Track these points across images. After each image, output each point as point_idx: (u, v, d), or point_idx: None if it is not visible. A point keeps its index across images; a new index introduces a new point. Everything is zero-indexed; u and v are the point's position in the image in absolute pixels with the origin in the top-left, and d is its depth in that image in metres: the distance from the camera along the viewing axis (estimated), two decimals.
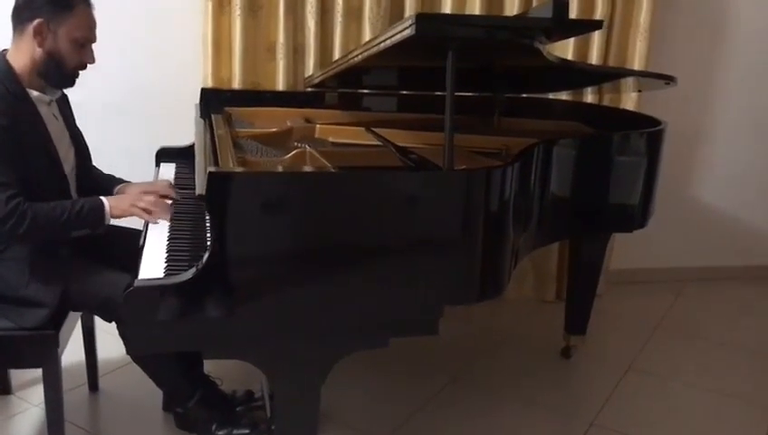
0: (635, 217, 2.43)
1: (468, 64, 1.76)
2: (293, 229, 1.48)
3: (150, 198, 1.79)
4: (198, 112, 2.48)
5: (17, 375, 2.30)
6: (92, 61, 1.84)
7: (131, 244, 1.81)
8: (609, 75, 2.63)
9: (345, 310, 1.53)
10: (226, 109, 2.50)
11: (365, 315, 1.56)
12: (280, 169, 1.87)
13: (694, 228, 3.57)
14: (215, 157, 1.77)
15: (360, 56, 1.83)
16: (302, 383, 1.59)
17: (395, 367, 2.56)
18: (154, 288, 1.43)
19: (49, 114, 1.85)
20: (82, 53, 1.81)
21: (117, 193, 2.05)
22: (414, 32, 1.42)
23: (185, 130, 2.46)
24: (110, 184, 2.06)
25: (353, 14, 2.80)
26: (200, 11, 2.69)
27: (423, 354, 2.67)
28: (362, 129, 2.31)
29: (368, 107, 2.74)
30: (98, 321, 2.18)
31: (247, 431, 2.02)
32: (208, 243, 1.50)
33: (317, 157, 1.93)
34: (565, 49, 2.96)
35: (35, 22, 1.72)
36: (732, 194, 3.58)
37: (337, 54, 2.76)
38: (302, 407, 1.62)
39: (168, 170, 2.36)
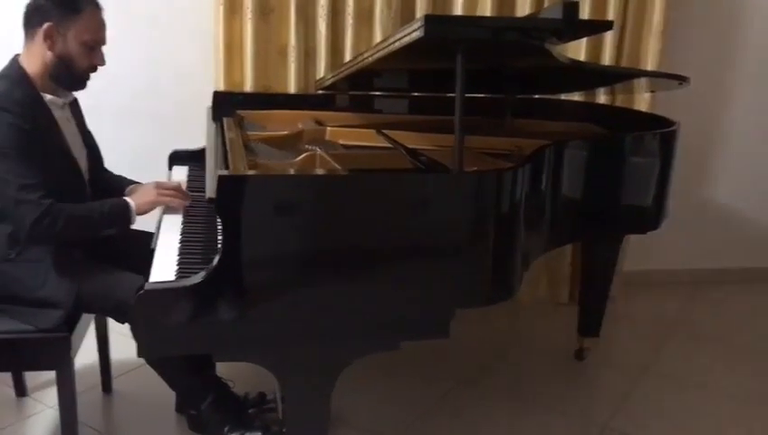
0: (648, 219, 2.41)
1: (478, 65, 1.76)
2: (303, 232, 1.48)
3: (171, 183, 1.90)
4: (210, 115, 2.49)
5: (32, 377, 2.32)
6: (102, 63, 1.86)
7: (145, 245, 1.82)
8: (621, 76, 2.61)
9: (355, 313, 1.53)
10: (238, 112, 2.51)
11: (375, 318, 1.55)
12: (291, 172, 1.88)
13: (708, 230, 3.54)
14: (225, 160, 1.78)
15: (369, 58, 1.83)
16: (312, 386, 1.59)
17: (407, 370, 2.56)
18: (165, 291, 1.44)
19: (63, 117, 1.88)
20: (92, 56, 1.82)
21: (127, 194, 2.07)
22: (423, 33, 1.42)
23: (198, 133, 2.47)
24: (120, 185, 2.08)
25: (364, 16, 2.81)
26: (212, 14, 2.71)
27: (435, 357, 2.67)
28: (373, 131, 2.31)
29: (378, 109, 2.75)
30: (111, 323, 2.19)
31: (259, 433, 2.01)
32: (220, 246, 1.50)
33: (327, 160, 1.93)
34: (578, 49, 2.94)
35: (45, 26, 1.75)
36: (746, 195, 3.55)
37: (348, 57, 2.77)
38: (313, 410, 1.62)
39: (181, 173, 2.37)
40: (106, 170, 2.11)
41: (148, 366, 1.96)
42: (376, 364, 1.89)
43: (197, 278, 1.43)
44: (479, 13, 2.86)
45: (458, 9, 2.85)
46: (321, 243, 1.49)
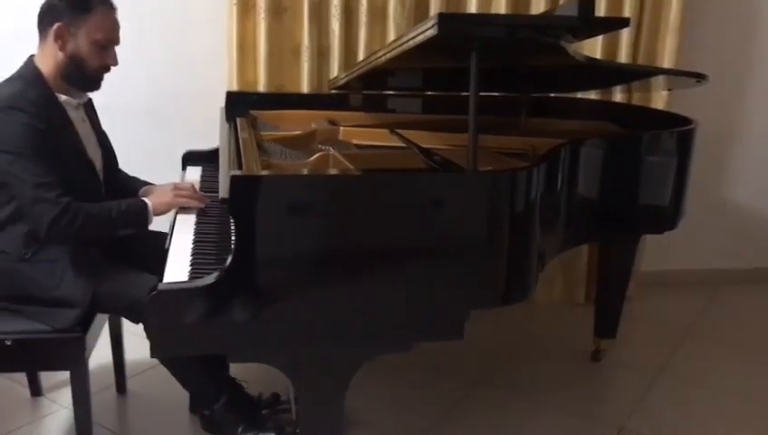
0: (665, 219, 2.38)
1: (493, 64, 1.74)
2: (317, 233, 1.47)
3: (187, 184, 1.91)
4: (223, 116, 2.49)
5: (47, 377, 2.33)
6: (115, 63, 1.85)
7: (159, 246, 1.82)
8: (638, 74, 2.58)
9: (368, 313, 1.52)
10: (251, 112, 2.51)
11: (389, 319, 1.54)
12: (304, 172, 1.87)
13: (726, 229, 3.50)
14: (238, 160, 1.77)
15: (383, 57, 1.82)
16: (326, 387, 1.58)
17: (422, 371, 2.55)
18: (178, 291, 1.43)
19: (78, 118, 1.89)
20: (104, 56, 1.82)
21: (141, 195, 2.07)
22: (436, 32, 1.41)
23: (211, 133, 2.47)
24: (134, 186, 2.08)
25: (377, 15, 2.79)
26: (225, 14, 2.71)
27: (451, 358, 2.65)
28: (386, 131, 2.30)
29: (392, 108, 2.73)
30: (125, 323, 2.20)
31: (273, 434, 2.02)
32: (233, 246, 1.49)
33: (340, 159, 1.92)
34: (594, 47, 2.91)
35: (55, 26, 1.75)
36: (765, 194, 3.50)
37: (361, 56, 2.76)
38: (327, 411, 1.61)
39: (195, 174, 2.37)
40: (120, 171, 2.12)
41: (161, 367, 1.96)
42: (390, 365, 1.88)
43: (210, 279, 1.43)
44: (493, 10, 2.84)
45: (472, 7, 2.83)
46: (335, 243, 1.49)
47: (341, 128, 2.44)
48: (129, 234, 1.84)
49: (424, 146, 1.99)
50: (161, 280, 1.52)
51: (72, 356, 1.75)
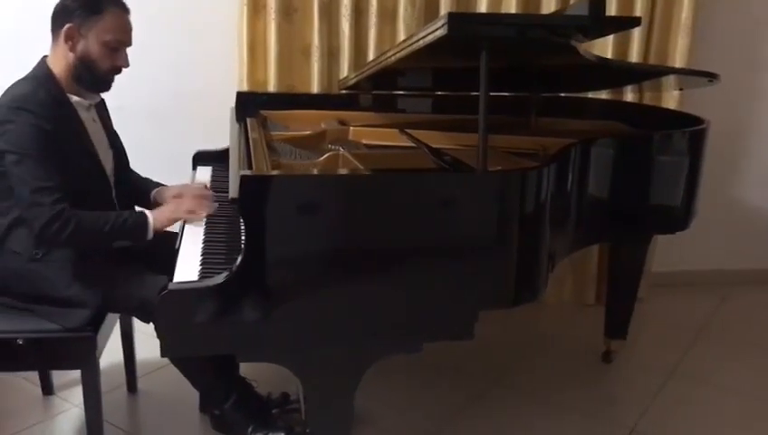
0: (677, 219, 2.37)
1: (503, 64, 1.74)
2: (326, 233, 1.47)
3: (190, 198, 1.85)
4: (234, 116, 2.50)
5: (59, 376, 2.34)
6: (126, 64, 1.85)
7: (170, 246, 1.82)
8: (649, 73, 2.57)
9: (378, 314, 1.52)
10: (262, 112, 2.52)
11: (398, 319, 1.54)
12: (314, 172, 1.87)
13: (739, 229, 3.47)
14: (248, 160, 1.78)
15: (392, 57, 1.82)
16: (335, 387, 1.59)
17: (432, 372, 2.54)
18: (188, 291, 1.44)
19: (89, 118, 1.89)
20: (115, 57, 1.82)
21: (154, 196, 2.08)
22: (446, 32, 1.41)
23: (222, 133, 2.48)
24: (146, 187, 2.09)
25: (387, 15, 2.79)
26: (236, 15, 2.71)
27: (461, 359, 2.65)
28: (396, 130, 2.30)
29: (402, 108, 2.73)
30: (136, 322, 2.20)
31: (282, 434, 2.01)
32: (243, 246, 1.50)
33: (350, 159, 1.92)
34: (605, 47, 2.90)
35: (66, 26, 1.76)
36: None
37: (371, 56, 2.76)
38: (336, 411, 1.62)
39: (205, 174, 2.38)
40: (132, 171, 2.13)
41: (172, 366, 1.96)
42: (400, 365, 1.88)
43: (220, 278, 1.43)
44: (504, 10, 2.83)
45: (483, 7, 2.82)
46: (344, 243, 1.49)
47: (351, 128, 2.44)
48: (125, 246, 1.83)
49: (434, 146, 1.99)
50: (171, 280, 1.53)
51: (83, 355, 1.76)
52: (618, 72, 2.35)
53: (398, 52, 1.78)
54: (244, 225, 1.45)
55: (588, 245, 2.53)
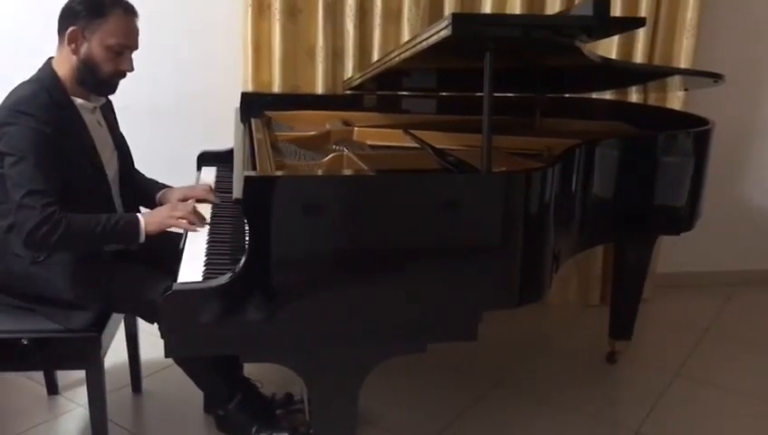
0: (682, 219, 2.36)
1: (507, 64, 1.74)
2: (330, 233, 1.47)
3: (186, 206, 1.81)
4: (238, 116, 2.50)
5: (64, 376, 2.35)
6: (130, 69, 1.84)
7: (174, 246, 1.82)
8: (653, 74, 2.56)
9: (381, 314, 1.52)
10: (266, 112, 2.52)
11: (402, 320, 1.54)
12: (318, 172, 1.87)
13: (743, 230, 3.46)
14: (253, 161, 1.78)
15: (397, 58, 1.82)
16: (339, 388, 1.59)
17: (436, 372, 2.54)
18: (192, 292, 1.44)
19: (93, 121, 1.88)
20: (119, 61, 1.80)
21: (159, 198, 2.09)
22: (450, 32, 1.40)
23: (226, 133, 2.48)
24: (151, 189, 2.09)
25: (392, 16, 2.79)
26: (241, 16, 2.72)
27: (465, 359, 2.64)
28: (400, 131, 2.30)
29: (406, 109, 2.73)
30: (141, 322, 2.21)
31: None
32: (247, 246, 1.50)
33: (354, 160, 1.92)
34: (609, 48, 2.90)
35: (69, 29, 1.75)
36: None
37: (376, 57, 2.76)
38: (340, 411, 1.62)
39: (209, 174, 2.38)
40: (137, 172, 2.13)
41: (177, 366, 1.97)
42: (404, 366, 1.88)
43: (224, 279, 1.43)
44: (508, 11, 2.83)
45: (487, 8, 2.82)
46: (348, 244, 1.49)
47: (356, 128, 2.44)
48: (118, 249, 1.82)
49: (438, 146, 1.99)
50: (175, 280, 1.53)
51: (87, 355, 1.76)
52: (622, 73, 2.34)
53: (402, 52, 1.78)
54: (249, 225, 1.45)
55: (592, 245, 2.52)
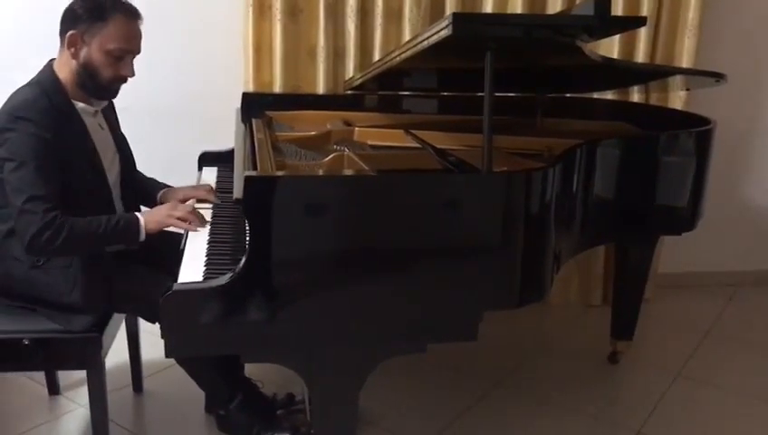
0: (683, 219, 2.36)
1: (508, 64, 1.73)
2: (330, 233, 1.47)
3: (186, 206, 1.81)
4: (239, 116, 2.50)
5: (65, 376, 2.35)
6: (131, 74, 1.81)
7: (175, 246, 1.82)
8: (655, 74, 2.56)
9: (382, 314, 1.52)
10: (267, 112, 2.52)
11: (402, 320, 1.54)
12: (318, 172, 1.87)
13: (745, 230, 3.46)
14: (253, 161, 1.78)
15: (398, 58, 1.82)
16: (339, 388, 1.58)
17: (437, 372, 2.54)
18: (192, 292, 1.44)
19: (94, 124, 1.87)
20: (119, 66, 1.78)
21: (160, 197, 2.09)
22: (450, 32, 1.40)
23: (228, 134, 2.48)
24: (152, 188, 2.09)
25: (393, 15, 2.79)
26: (241, 16, 2.72)
27: (466, 360, 2.64)
28: (401, 131, 2.30)
29: (407, 109, 2.73)
30: (142, 322, 2.22)
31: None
32: (247, 246, 1.50)
33: (355, 160, 1.92)
34: (611, 47, 2.89)
35: (69, 33, 1.73)
36: None
37: (377, 57, 2.76)
38: (341, 411, 1.61)
39: (211, 174, 2.38)
40: (138, 172, 2.12)
41: (178, 366, 1.97)
42: (404, 366, 1.88)
43: (224, 279, 1.43)
44: (509, 10, 2.83)
45: (488, 7, 2.82)
46: (349, 244, 1.49)
47: (356, 128, 2.44)
48: (119, 249, 1.81)
49: (439, 146, 1.99)
50: (176, 280, 1.53)
51: (88, 356, 1.76)
52: (624, 73, 2.34)
53: (403, 52, 1.78)
54: (249, 225, 1.45)
55: (594, 245, 2.52)
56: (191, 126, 2.82)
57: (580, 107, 2.77)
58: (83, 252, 1.76)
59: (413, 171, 1.91)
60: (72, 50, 1.75)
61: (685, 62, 2.97)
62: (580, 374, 2.61)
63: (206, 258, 1.65)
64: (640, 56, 2.94)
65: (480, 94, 1.59)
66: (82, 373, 1.81)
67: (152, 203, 2.10)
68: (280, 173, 1.69)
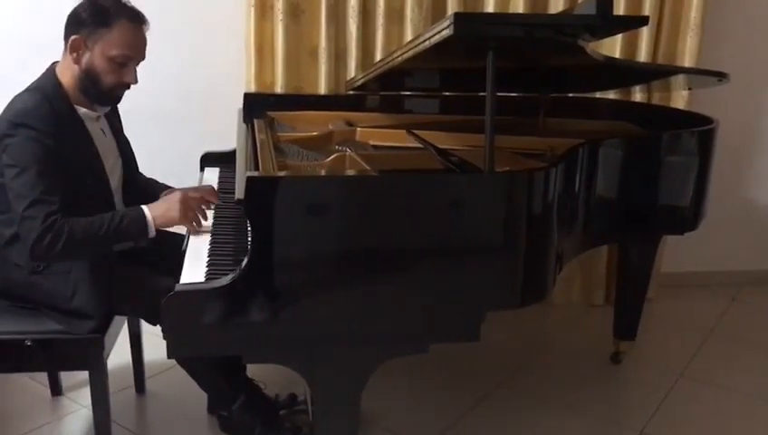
0: (686, 219, 2.36)
1: (510, 64, 1.73)
2: (332, 234, 1.47)
3: (197, 199, 1.79)
4: (241, 117, 2.50)
5: (67, 377, 2.35)
6: (134, 81, 1.79)
7: (177, 247, 1.81)
8: (657, 73, 2.55)
9: (384, 315, 1.52)
10: (269, 113, 2.52)
11: (405, 320, 1.54)
12: (320, 173, 1.87)
13: (748, 230, 3.45)
14: (255, 161, 1.78)
15: (399, 58, 1.82)
16: (342, 388, 1.58)
17: (440, 373, 2.54)
18: (194, 292, 1.44)
19: (97, 129, 1.86)
20: (122, 73, 1.76)
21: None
22: (452, 32, 1.40)
23: (229, 134, 2.48)
24: (154, 190, 2.08)
25: (395, 16, 2.79)
26: (243, 17, 2.72)
27: (468, 360, 2.64)
28: (403, 131, 2.29)
29: (409, 109, 2.73)
30: (144, 323, 2.21)
31: None
32: (249, 247, 1.50)
33: (357, 160, 1.92)
34: (613, 47, 2.89)
35: (72, 38, 1.72)
36: None
37: (378, 57, 2.76)
38: (343, 412, 1.61)
39: (213, 175, 2.38)
40: (139, 174, 2.12)
41: (180, 367, 1.97)
42: (406, 366, 1.87)
43: (226, 280, 1.43)
44: (511, 10, 2.83)
45: (490, 7, 2.82)
46: (351, 244, 1.48)
47: (358, 129, 2.44)
48: (128, 248, 1.79)
49: (441, 146, 1.99)
50: (178, 281, 1.52)
51: (90, 357, 1.76)
52: (626, 72, 2.34)
53: (404, 52, 1.77)
54: (251, 226, 1.45)
55: (596, 245, 2.52)
56: (193, 126, 2.82)
57: (582, 107, 2.76)
58: (89, 254, 1.73)
59: (415, 171, 1.90)
60: (75, 55, 1.73)
61: (687, 61, 2.96)
62: (582, 374, 2.61)
63: (208, 259, 1.64)
64: (642, 55, 2.94)
65: (482, 94, 1.58)
66: (85, 374, 1.81)
67: None
68: (282, 173, 1.69)
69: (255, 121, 2.29)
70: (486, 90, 1.56)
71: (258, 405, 2.06)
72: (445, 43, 1.47)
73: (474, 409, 2.34)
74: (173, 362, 1.84)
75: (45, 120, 1.66)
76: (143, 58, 1.81)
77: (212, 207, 1.94)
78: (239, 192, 1.50)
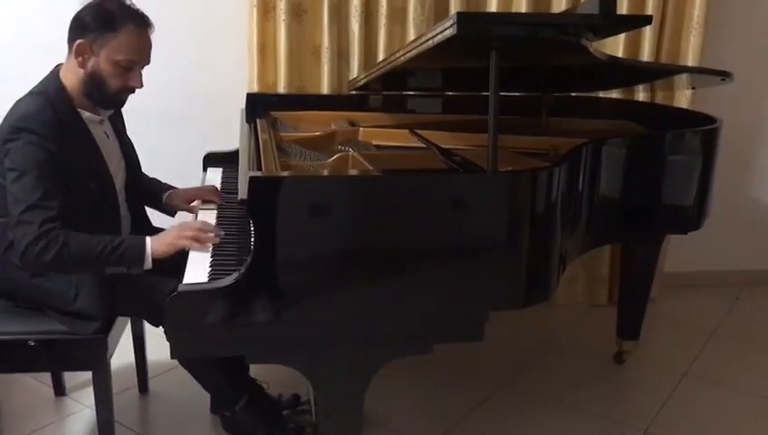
0: (689, 219, 2.35)
1: (513, 63, 1.73)
2: (335, 233, 1.47)
3: (195, 224, 1.76)
4: (244, 117, 2.50)
5: (71, 377, 2.35)
6: (139, 85, 1.78)
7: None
8: (660, 72, 2.55)
9: (388, 315, 1.52)
10: (272, 113, 2.52)
11: (408, 320, 1.54)
12: (323, 172, 1.87)
13: (752, 229, 3.44)
14: (258, 161, 1.78)
15: (402, 58, 1.82)
16: (345, 388, 1.58)
17: (442, 373, 2.54)
18: (197, 293, 1.44)
19: (100, 133, 1.85)
20: (127, 77, 1.75)
21: (165, 199, 2.09)
22: (455, 31, 1.40)
23: (232, 134, 2.49)
24: (157, 189, 2.09)
25: (397, 15, 2.79)
26: (246, 16, 2.72)
27: (471, 360, 2.64)
28: (406, 131, 2.29)
29: (412, 109, 2.73)
30: (147, 324, 2.21)
31: None
32: (252, 247, 1.49)
33: (360, 160, 1.92)
34: (616, 46, 2.89)
35: (77, 42, 1.71)
36: None
37: (381, 57, 2.76)
38: (346, 412, 1.61)
39: (215, 175, 2.38)
40: (142, 174, 2.12)
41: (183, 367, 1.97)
42: (410, 366, 1.87)
43: (230, 280, 1.43)
44: (514, 9, 2.82)
45: (493, 6, 2.82)
46: (354, 244, 1.48)
47: (361, 128, 2.43)
48: (121, 272, 1.76)
49: (444, 146, 1.98)
50: (181, 281, 1.52)
51: (94, 357, 1.76)
52: (629, 71, 2.33)
53: (407, 52, 1.77)
54: (254, 226, 1.45)
55: (600, 245, 2.51)
56: (195, 127, 2.82)
57: (585, 106, 2.76)
58: (78, 270, 1.70)
59: (418, 171, 1.90)
60: (80, 59, 1.72)
61: (690, 60, 2.96)
62: (586, 374, 2.61)
63: (210, 259, 1.64)
64: (645, 55, 2.93)
65: (485, 94, 1.58)
66: (88, 374, 1.81)
67: (157, 203, 2.10)
68: (284, 173, 1.69)
69: (258, 121, 2.29)
70: (489, 89, 1.55)
71: (261, 405, 2.06)
72: (447, 42, 1.47)
73: (477, 409, 2.34)
74: (176, 362, 1.84)
75: (48, 125, 1.65)
76: (148, 62, 1.80)
77: (215, 207, 1.94)
78: (242, 192, 1.50)
